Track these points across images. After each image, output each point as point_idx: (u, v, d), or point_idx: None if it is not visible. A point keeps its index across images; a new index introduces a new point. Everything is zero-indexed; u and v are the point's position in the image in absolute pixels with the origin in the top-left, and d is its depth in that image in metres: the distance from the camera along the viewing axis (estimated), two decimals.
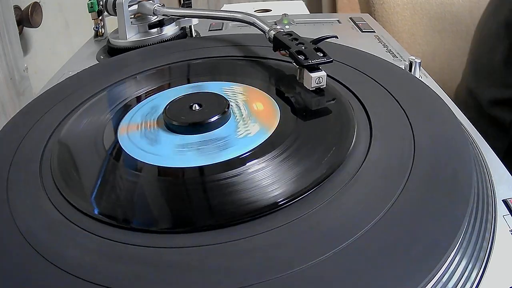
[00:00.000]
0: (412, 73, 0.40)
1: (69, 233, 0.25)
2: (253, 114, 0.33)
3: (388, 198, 0.24)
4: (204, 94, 0.35)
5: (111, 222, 0.25)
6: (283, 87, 0.36)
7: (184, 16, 0.52)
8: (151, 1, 0.52)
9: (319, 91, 0.33)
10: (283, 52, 0.37)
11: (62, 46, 0.80)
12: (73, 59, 0.54)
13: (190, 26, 0.54)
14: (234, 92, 0.36)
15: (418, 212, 0.23)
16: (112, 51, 0.52)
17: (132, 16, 0.53)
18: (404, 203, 0.24)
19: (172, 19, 0.53)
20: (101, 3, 0.55)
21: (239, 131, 0.31)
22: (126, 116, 0.34)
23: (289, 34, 0.38)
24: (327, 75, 0.34)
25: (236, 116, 0.33)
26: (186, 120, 0.31)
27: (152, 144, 0.30)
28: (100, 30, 0.59)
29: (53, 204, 0.27)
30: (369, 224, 0.23)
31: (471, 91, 0.65)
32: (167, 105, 0.33)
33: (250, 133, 0.30)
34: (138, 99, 0.37)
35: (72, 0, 0.82)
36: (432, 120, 0.31)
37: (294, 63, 0.35)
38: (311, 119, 0.32)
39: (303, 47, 0.35)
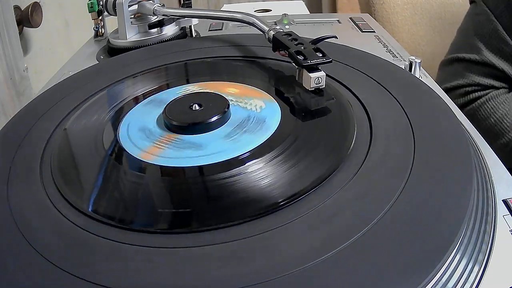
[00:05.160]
0: (412, 73, 0.39)
1: (69, 232, 0.25)
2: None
3: (388, 198, 0.24)
4: (204, 94, 0.35)
5: (111, 222, 0.25)
6: (282, 87, 0.36)
7: (184, 16, 0.52)
8: (151, 1, 0.52)
9: (318, 91, 0.33)
10: (282, 52, 0.37)
11: (62, 46, 0.80)
12: (73, 59, 0.54)
13: (190, 26, 0.54)
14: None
15: (418, 212, 0.23)
16: (112, 51, 0.52)
17: (132, 16, 0.53)
18: (404, 203, 0.24)
19: (172, 19, 0.53)
20: (101, 3, 0.55)
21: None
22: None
23: (289, 34, 0.38)
24: (327, 75, 0.34)
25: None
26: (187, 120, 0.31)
27: (197, 148, 0.30)
28: (100, 30, 0.59)
29: (52, 203, 0.27)
30: (369, 225, 0.22)
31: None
32: (166, 106, 0.33)
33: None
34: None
35: (72, 0, 0.82)
36: (432, 120, 0.31)
37: (293, 64, 0.35)
38: (311, 119, 0.32)
39: (302, 47, 0.35)
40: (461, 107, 0.65)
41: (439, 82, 0.69)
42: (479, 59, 0.64)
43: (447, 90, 0.67)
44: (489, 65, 0.63)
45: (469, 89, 0.65)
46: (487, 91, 0.64)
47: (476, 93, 0.64)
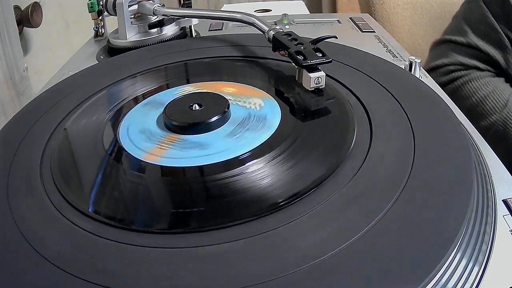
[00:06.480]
0: (412, 73, 0.39)
1: (69, 233, 0.25)
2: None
3: (388, 198, 0.24)
4: (204, 94, 0.35)
5: (112, 222, 0.25)
6: (282, 87, 0.36)
7: (184, 16, 0.52)
8: (151, 1, 0.52)
9: (318, 91, 0.33)
10: (282, 52, 0.37)
11: (62, 46, 0.80)
12: (73, 59, 0.54)
13: (190, 26, 0.54)
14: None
15: (418, 212, 0.23)
16: (112, 51, 0.52)
17: (132, 16, 0.53)
18: (404, 203, 0.24)
19: (172, 19, 0.53)
20: (101, 3, 0.55)
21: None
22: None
23: (288, 34, 0.38)
24: (327, 75, 0.34)
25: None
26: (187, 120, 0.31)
27: (202, 148, 0.30)
28: (100, 30, 0.59)
29: (53, 204, 0.27)
30: (369, 225, 0.22)
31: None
32: (166, 106, 0.33)
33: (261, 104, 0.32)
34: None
35: (72, 0, 0.82)
36: (432, 120, 0.31)
37: (293, 64, 0.35)
38: (311, 119, 0.32)
39: (302, 47, 0.35)
40: (443, 85, 0.66)
41: (426, 63, 0.71)
42: (465, 41, 0.65)
43: (431, 69, 0.69)
44: (474, 47, 0.64)
45: (453, 68, 0.66)
46: (470, 71, 0.64)
47: (459, 72, 0.65)
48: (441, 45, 0.70)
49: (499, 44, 0.63)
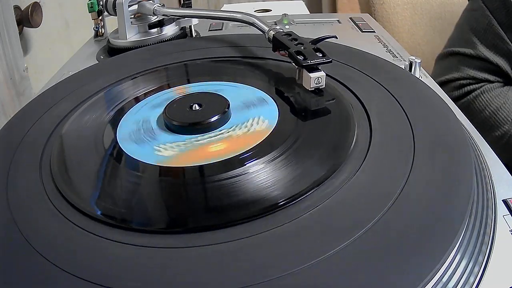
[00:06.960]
0: (412, 73, 0.39)
1: (68, 232, 0.25)
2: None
3: (387, 198, 0.24)
4: (204, 94, 0.35)
5: (112, 222, 0.25)
6: (282, 87, 0.36)
7: (184, 16, 0.52)
8: (151, 1, 0.52)
9: (318, 91, 0.33)
10: (282, 52, 0.37)
11: (62, 46, 0.80)
12: (73, 59, 0.54)
13: (190, 26, 0.54)
14: None
15: (418, 211, 0.23)
16: (112, 51, 0.52)
17: (132, 16, 0.53)
18: (404, 203, 0.24)
19: (172, 19, 0.53)
20: (101, 3, 0.55)
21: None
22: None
23: (289, 34, 0.38)
24: (327, 75, 0.34)
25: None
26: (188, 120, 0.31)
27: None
28: (100, 30, 0.59)
29: (52, 203, 0.27)
30: (369, 225, 0.22)
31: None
32: (166, 106, 0.33)
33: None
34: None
35: (72, 0, 0.82)
36: (432, 120, 0.31)
37: (293, 64, 0.35)
38: (311, 119, 0.32)
39: (302, 47, 0.35)
40: (456, 99, 0.66)
41: (434, 76, 0.71)
42: (474, 54, 0.65)
43: (442, 83, 0.68)
44: (484, 59, 0.64)
45: (464, 82, 0.66)
46: (481, 84, 0.64)
47: (471, 86, 0.65)
48: (449, 57, 0.70)
49: (507, 54, 0.63)
